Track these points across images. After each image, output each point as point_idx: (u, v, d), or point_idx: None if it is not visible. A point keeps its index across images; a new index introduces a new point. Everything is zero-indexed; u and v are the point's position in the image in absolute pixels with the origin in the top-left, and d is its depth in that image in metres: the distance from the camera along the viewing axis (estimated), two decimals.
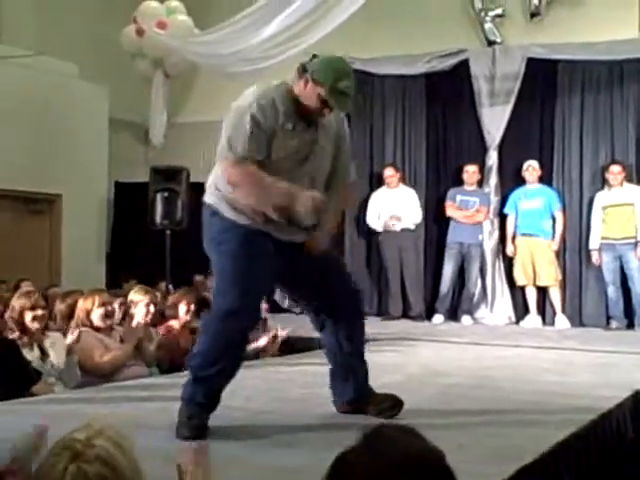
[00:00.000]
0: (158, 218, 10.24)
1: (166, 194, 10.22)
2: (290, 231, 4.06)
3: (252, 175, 3.88)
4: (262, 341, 6.76)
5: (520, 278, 9.57)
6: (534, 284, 9.49)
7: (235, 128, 3.90)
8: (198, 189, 10.53)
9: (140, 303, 6.12)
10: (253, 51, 9.17)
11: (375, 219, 10.06)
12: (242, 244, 4.00)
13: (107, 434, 1.77)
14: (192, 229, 10.50)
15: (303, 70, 3.96)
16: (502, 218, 9.84)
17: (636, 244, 9.08)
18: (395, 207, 9.94)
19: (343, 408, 4.37)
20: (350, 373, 4.36)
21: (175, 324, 6.53)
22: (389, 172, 10.09)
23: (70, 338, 5.18)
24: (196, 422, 3.87)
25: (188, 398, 3.97)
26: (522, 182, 9.65)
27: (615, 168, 9.17)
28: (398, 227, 9.89)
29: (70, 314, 5.78)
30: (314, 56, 4.12)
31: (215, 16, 10.26)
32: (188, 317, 6.61)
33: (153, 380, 5.59)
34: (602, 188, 9.45)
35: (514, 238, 9.63)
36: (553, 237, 9.48)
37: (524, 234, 9.56)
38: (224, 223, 4.07)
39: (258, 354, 6.69)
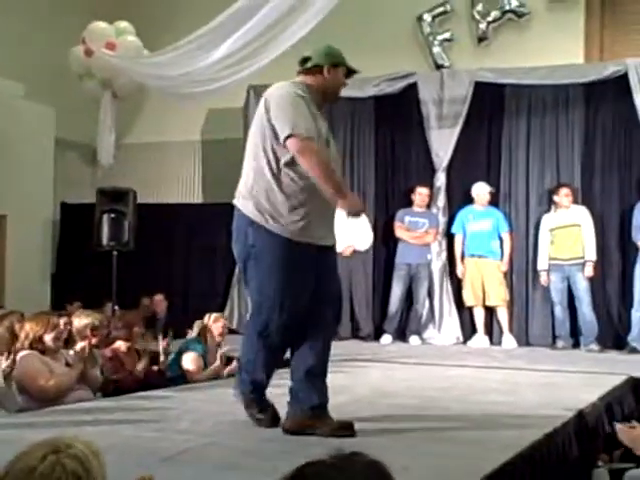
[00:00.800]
0: (104, 239, 10.16)
1: (113, 215, 10.15)
2: (325, 231, 4.36)
3: (320, 153, 4.21)
4: (216, 365, 6.74)
5: (469, 299, 9.64)
6: (483, 304, 9.57)
7: (293, 109, 4.22)
8: (145, 210, 10.61)
9: (84, 326, 6.04)
10: (203, 73, 9.14)
11: None
12: (281, 259, 4.18)
13: (85, 443, 1.96)
14: (139, 250, 10.50)
15: (316, 67, 4.46)
16: (450, 239, 9.91)
17: (584, 264, 9.20)
18: (347, 228, 9.93)
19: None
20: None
21: (122, 346, 6.46)
22: None
23: (5, 363, 5.04)
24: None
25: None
26: (470, 204, 9.73)
27: (564, 190, 9.29)
28: (348, 251, 9.91)
29: (12, 337, 5.65)
30: (305, 59, 4.54)
31: (165, 38, 10.24)
32: (135, 339, 6.55)
33: (96, 403, 5.50)
34: (549, 210, 9.57)
35: (463, 259, 9.70)
36: (502, 258, 9.57)
37: (473, 255, 9.64)
38: (262, 235, 4.20)
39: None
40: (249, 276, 4.34)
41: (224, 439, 4.29)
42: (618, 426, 3.96)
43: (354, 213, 4.34)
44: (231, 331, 10.30)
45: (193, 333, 7.05)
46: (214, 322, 7.17)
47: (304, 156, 4.17)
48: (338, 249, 9.69)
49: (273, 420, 4.44)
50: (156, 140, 11.79)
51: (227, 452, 4.02)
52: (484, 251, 9.59)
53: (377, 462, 1.75)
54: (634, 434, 3.88)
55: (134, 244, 10.21)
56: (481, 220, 9.61)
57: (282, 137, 4.20)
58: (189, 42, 8.97)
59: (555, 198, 9.40)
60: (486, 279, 9.54)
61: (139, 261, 10.53)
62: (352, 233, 9.81)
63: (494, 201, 9.77)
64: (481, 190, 9.65)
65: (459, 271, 9.72)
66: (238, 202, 4.36)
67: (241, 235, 4.31)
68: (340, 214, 4.44)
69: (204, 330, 7.03)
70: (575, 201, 9.40)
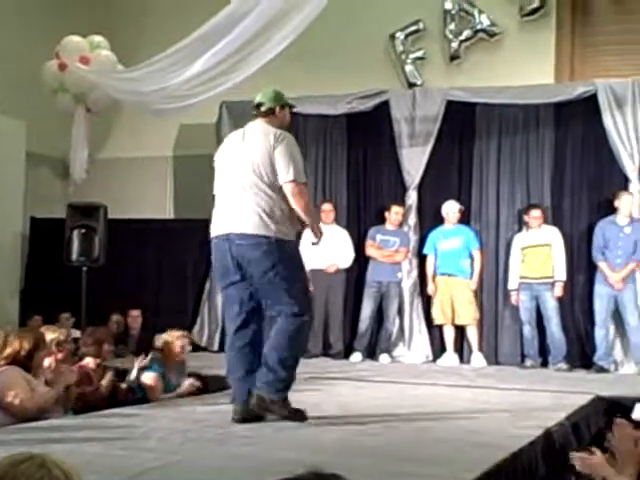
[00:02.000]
0: (74, 255, 10.11)
1: (83, 231, 10.10)
2: None
3: (308, 196, 5.35)
4: (184, 387, 6.71)
5: (439, 317, 9.67)
6: (452, 323, 9.60)
7: (296, 157, 5.25)
8: (116, 226, 10.57)
9: (50, 341, 6.00)
10: (178, 89, 9.15)
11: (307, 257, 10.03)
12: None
13: (65, 460, 2.04)
14: (109, 266, 10.46)
15: (270, 110, 5.51)
16: (421, 258, 9.95)
17: (553, 284, 9.26)
18: (329, 244, 9.95)
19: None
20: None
21: (90, 362, 6.42)
22: (327, 207, 10.07)
23: None
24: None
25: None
26: (441, 222, 9.79)
27: (535, 212, 9.35)
28: (332, 268, 9.92)
29: None
30: (259, 104, 5.54)
31: (139, 53, 10.24)
32: (105, 355, 6.51)
33: (63, 421, 5.46)
34: (519, 229, 9.64)
35: (434, 277, 9.74)
36: (471, 276, 9.62)
37: (443, 274, 9.68)
38: (279, 245, 5.13)
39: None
40: (279, 284, 5.20)
41: (192, 457, 4.28)
42: (575, 455, 3.97)
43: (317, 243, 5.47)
44: (200, 348, 10.35)
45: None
46: (175, 339, 7.14)
47: (299, 199, 5.18)
48: (322, 266, 9.87)
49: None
50: (129, 155, 11.76)
51: (195, 470, 4.01)
52: (454, 270, 9.63)
53: None
54: (592, 461, 3.90)
55: (104, 260, 10.16)
56: (451, 238, 9.66)
57: (285, 179, 5.16)
58: (164, 58, 8.98)
59: (525, 218, 9.46)
60: (455, 298, 9.58)
61: (109, 277, 10.48)
62: (335, 251, 9.83)
63: (465, 219, 9.82)
64: (451, 208, 9.70)
65: (430, 290, 9.76)
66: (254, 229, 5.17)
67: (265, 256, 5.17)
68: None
69: (166, 347, 7.00)
70: (545, 220, 9.47)
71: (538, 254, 9.34)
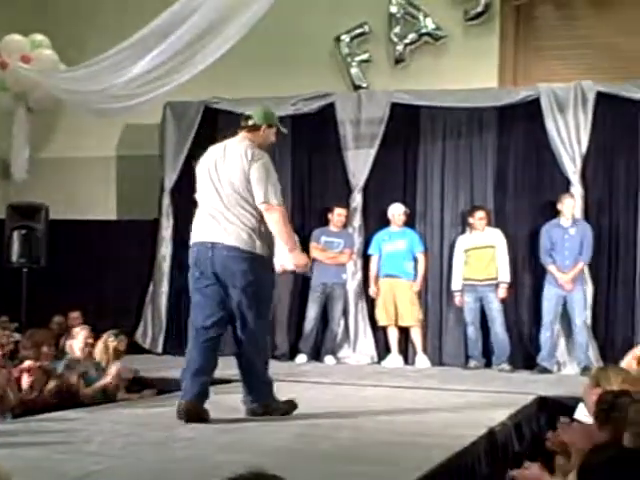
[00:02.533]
0: (14, 256, 9.95)
1: (24, 232, 9.94)
2: None
3: (285, 218, 5.57)
4: (108, 378, 6.65)
5: (382, 318, 9.70)
6: (396, 324, 9.64)
7: (270, 178, 5.47)
8: (58, 227, 10.42)
9: None
10: (121, 89, 9.05)
11: None
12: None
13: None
14: (51, 268, 10.31)
15: (255, 126, 5.69)
16: (365, 259, 9.97)
17: (497, 285, 9.34)
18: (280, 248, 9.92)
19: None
20: None
21: (29, 365, 6.31)
22: None
23: None
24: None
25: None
26: (385, 224, 9.82)
27: (479, 213, 9.42)
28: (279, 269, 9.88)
29: None
30: (248, 117, 5.75)
31: (82, 52, 10.12)
32: (44, 358, 6.41)
33: (2, 425, 5.35)
34: (463, 231, 9.71)
35: (377, 279, 9.76)
36: (415, 278, 9.66)
37: (387, 275, 9.71)
38: (261, 261, 5.47)
39: (110, 394, 6.57)
40: (253, 297, 5.53)
41: (133, 460, 4.23)
42: (512, 474, 4.01)
43: (302, 269, 5.92)
44: (144, 351, 10.26)
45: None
46: (108, 339, 7.08)
47: (275, 222, 5.46)
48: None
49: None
50: (71, 155, 11.59)
51: (136, 473, 3.96)
52: (397, 271, 9.67)
53: None
54: (528, 476, 3.94)
55: (46, 261, 10.01)
56: (396, 241, 9.70)
57: (260, 201, 5.39)
58: (107, 57, 8.87)
59: (470, 220, 9.54)
60: (399, 299, 9.62)
61: (51, 278, 10.33)
62: (283, 252, 9.78)
63: (410, 222, 9.86)
64: (396, 211, 9.74)
65: (371, 291, 9.78)
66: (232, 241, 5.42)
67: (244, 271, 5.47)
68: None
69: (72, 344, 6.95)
70: (489, 223, 9.55)
71: (482, 256, 9.42)
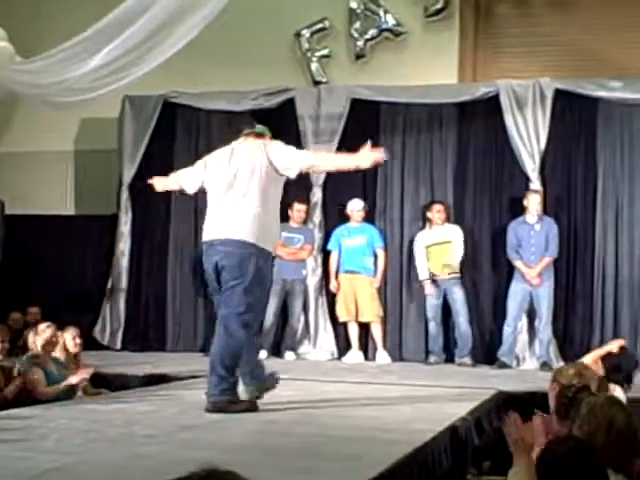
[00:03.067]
0: None
1: None
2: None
3: None
4: (74, 379, 6.55)
5: (342, 314, 9.70)
6: (356, 320, 9.64)
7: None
8: (14, 222, 10.28)
9: None
10: (78, 81, 8.94)
11: None
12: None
13: None
14: (7, 263, 10.17)
15: (261, 134, 5.94)
16: (326, 255, 9.96)
17: (460, 278, 9.37)
18: None
19: None
20: None
21: None
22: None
23: None
24: None
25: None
26: (345, 220, 9.81)
27: (437, 207, 9.46)
28: None
29: None
30: (253, 126, 6.02)
31: (39, 44, 9.97)
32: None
33: None
34: (423, 227, 9.73)
35: (337, 275, 9.76)
36: (375, 274, 9.67)
37: (347, 271, 9.71)
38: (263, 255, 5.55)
39: (70, 392, 6.48)
40: (248, 289, 5.58)
41: (92, 457, 4.18)
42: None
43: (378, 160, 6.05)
44: (103, 347, 10.17)
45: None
46: (40, 333, 6.98)
47: (325, 157, 6.79)
48: None
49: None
50: (27, 150, 11.45)
51: (94, 471, 3.91)
52: (357, 267, 9.67)
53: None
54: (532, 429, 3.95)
55: (2, 256, 9.87)
56: (356, 236, 9.70)
57: (300, 155, 5.92)
58: (64, 50, 8.75)
59: (428, 214, 9.56)
60: (359, 295, 9.63)
61: (8, 274, 10.20)
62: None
63: (370, 217, 9.86)
64: (355, 206, 9.73)
65: (332, 287, 9.78)
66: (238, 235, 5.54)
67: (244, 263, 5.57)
68: None
69: (44, 342, 6.85)
70: (448, 218, 9.58)
71: (442, 251, 9.44)
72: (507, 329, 9.16)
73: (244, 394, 5.63)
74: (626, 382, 5.70)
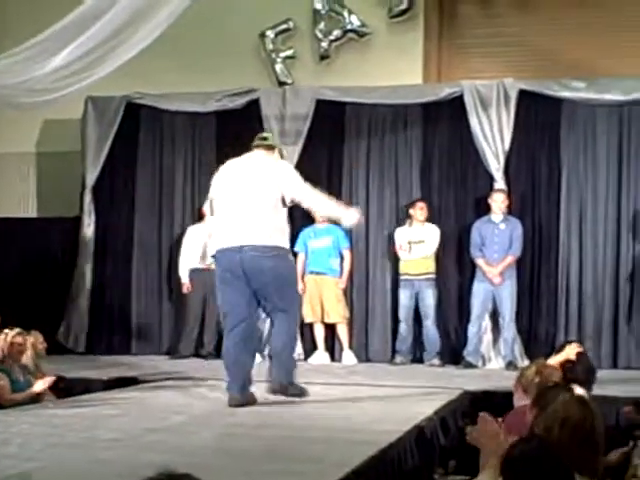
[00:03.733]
0: None
1: None
2: None
3: None
4: (38, 386, 6.46)
5: (308, 315, 9.65)
6: (322, 321, 9.61)
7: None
8: None
9: None
10: (40, 82, 8.83)
11: (189, 256, 9.90)
12: None
13: None
14: None
15: (271, 146, 6.49)
16: (292, 256, 9.91)
17: (434, 280, 9.39)
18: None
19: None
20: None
21: None
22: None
23: None
24: None
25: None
26: (311, 221, 9.78)
27: (421, 204, 9.43)
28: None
29: None
30: (264, 137, 6.63)
31: (2, 44, 9.86)
32: None
33: None
34: (393, 227, 9.69)
35: (303, 276, 9.72)
36: (340, 275, 9.65)
37: (312, 272, 9.68)
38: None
39: (35, 399, 6.39)
40: (287, 292, 6.36)
41: (53, 463, 4.12)
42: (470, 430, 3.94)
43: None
44: (67, 350, 10.06)
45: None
46: (31, 340, 6.88)
47: (318, 197, 6.45)
48: (202, 265, 9.89)
49: None
50: None
51: (55, 476, 3.85)
52: (323, 268, 9.65)
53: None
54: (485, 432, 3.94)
55: None
56: (321, 238, 9.67)
57: (303, 189, 6.28)
58: (25, 50, 8.62)
59: (410, 211, 9.51)
60: (325, 296, 9.60)
61: None
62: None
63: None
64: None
65: (299, 289, 9.73)
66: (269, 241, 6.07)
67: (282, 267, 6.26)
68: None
69: (10, 348, 6.74)
70: (429, 217, 9.54)
71: (419, 250, 9.42)
72: (471, 329, 9.19)
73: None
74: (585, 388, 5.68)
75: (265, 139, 6.56)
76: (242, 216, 6.03)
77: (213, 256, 6.29)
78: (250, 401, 6.01)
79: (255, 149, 6.40)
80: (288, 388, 6.13)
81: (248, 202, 6.04)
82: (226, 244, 6.05)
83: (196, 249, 9.82)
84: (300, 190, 6.22)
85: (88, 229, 10.35)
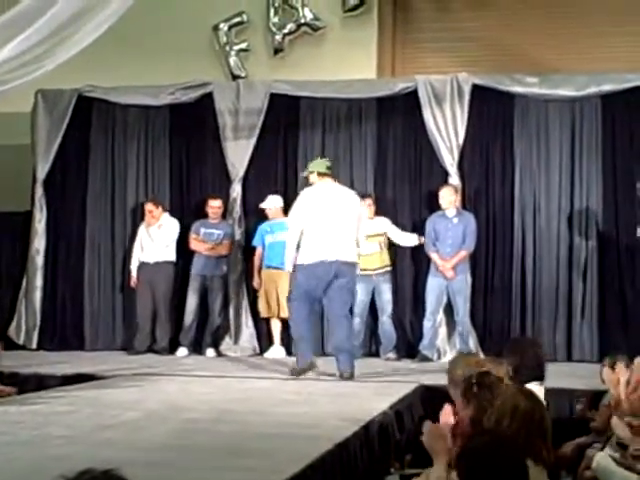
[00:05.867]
0: None
1: None
2: None
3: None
4: None
5: (264, 310, 9.62)
6: (278, 316, 9.57)
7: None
8: None
9: None
10: None
11: (138, 251, 9.82)
12: None
13: None
14: None
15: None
16: (246, 250, 9.89)
17: (390, 274, 9.42)
18: (155, 241, 9.76)
19: None
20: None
21: None
22: (150, 207, 9.83)
23: None
24: None
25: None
26: (265, 216, 9.73)
27: (369, 201, 9.39)
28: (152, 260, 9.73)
29: None
30: (329, 167, 7.93)
31: None
32: None
33: None
34: None
35: (260, 270, 9.68)
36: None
37: (269, 267, 9.62)
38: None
39: None
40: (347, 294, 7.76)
41: (5, 461, 4.04)
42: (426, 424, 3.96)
43: None
44: (18, 347, 9.92)
45: None
46: None
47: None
48: (150, 260, 9.82)
49: None
50: None
51: (7, 474, 3.79)
52: (279, 262, 9.59)
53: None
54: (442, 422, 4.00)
55: None
56: (278, 232, 9.62)
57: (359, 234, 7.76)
58: None
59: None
60: (280, 291, 9.56)
61: None
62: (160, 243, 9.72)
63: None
64: (272, 204, 9.65)
65: (255, 283, 9.70)
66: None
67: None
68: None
69: None
70: (376, 211, 9.55)
71: (372, 246, 9.40)
72: (427, 323, 9.21)
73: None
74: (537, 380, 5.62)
75: (330, 168, 7.89)
76: (334, 235, 7.49)
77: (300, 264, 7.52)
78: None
79: (326, 177, 7.76)
80: (352, 374, 7.33)
81: (339, 224, 7.50)
82: (321, 257, 7.44)
83: (145, 243, 9.77)
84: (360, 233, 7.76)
85: (39, 224, 10.21)
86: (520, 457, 2.94)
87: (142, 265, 9.78)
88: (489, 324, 9.47)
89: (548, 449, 3.40)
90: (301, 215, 7.62)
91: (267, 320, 9.70)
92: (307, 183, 7.97)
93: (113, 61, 10.22)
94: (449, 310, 9.32)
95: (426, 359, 9.05)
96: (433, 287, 9.20)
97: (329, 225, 7.50)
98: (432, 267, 9.24)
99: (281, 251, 9.54)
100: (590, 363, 8.69)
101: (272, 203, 9.67)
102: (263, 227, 9.73)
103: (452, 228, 9.19)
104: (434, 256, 9.19)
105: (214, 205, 9.76)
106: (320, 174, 7.75)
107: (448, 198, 9.20)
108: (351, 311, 8.02)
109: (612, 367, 5.52)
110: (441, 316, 9.34)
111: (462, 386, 3.98)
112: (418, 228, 9.51)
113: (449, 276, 9.09)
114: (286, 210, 9.69)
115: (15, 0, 7.80)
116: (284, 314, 9.55)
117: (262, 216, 9.81)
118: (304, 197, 7.73)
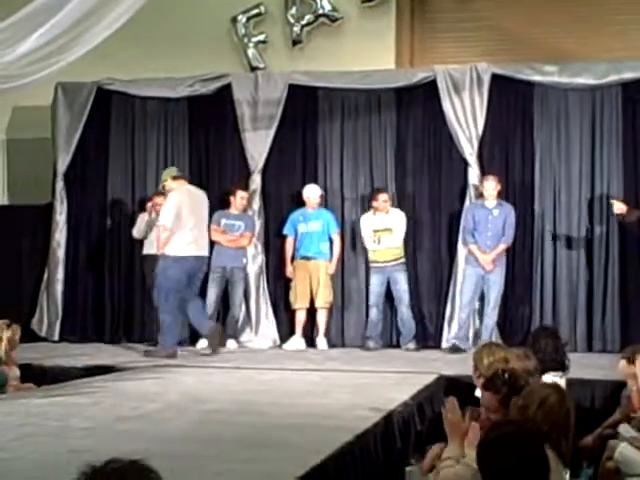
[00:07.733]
0: None
1: None
2: None
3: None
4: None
5: (296, 300, 9.58)
6: (308, 306, 9.53)
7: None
8: None
9: None
10: (6, 68, 8.70)
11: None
12: None
13: None
14: None
15: None
16: (267, 242, 9.91)
17: (406, 264, 9.37)
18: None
19: None
20: None
21: None
22: (159, 200, 9.82)
23: None
24: None
25: None
26: (285, 205, 9.73)
27: (383, 196, 9.37)
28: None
29: None
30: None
31: None
32: None
33: None
34: (362, 213, 9.67)
35: (292, 260, 9.67)
36: (330, 259, 9.60)
37: (302, 257, 9.61)
38: None
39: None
40: None
41: (27, 452, 4.08)
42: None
43: None
44: (40, 339, 9.98)
45: None
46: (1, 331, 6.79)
47: None
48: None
49: None
50: None
51: (30, 466, 3.82)
52: (313, 252, 9.59)
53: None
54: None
55: None
56: (311, 222, 9.61)
57: None
58: None
59: (374, 203, 9.45)
60: (313, 281, 9.54)
61: None
62: None
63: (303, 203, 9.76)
64: (312, 193, 9.64)
65: (288, 272, 9.67)
66: None
67: None
68: None
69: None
70: (392, 204, 9.53)
71: (387, 238, 9.39)
72: (462, 314, 9.09)
73: None
74: (560, 370, 5.60)
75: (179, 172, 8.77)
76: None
77: None
78: None
79: (179, 179, 8.62)
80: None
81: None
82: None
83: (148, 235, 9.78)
84: None
85: (60, 216, 10.26)
86: (543, 448, 2.94)
87: (149, 257, 9.72)
88: (510, 315, 9.41)
89: (568, 445, 3.41)
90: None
91: (294, 311, 9.66)
92: (165, 192, 8.71)
93: (132, 54, 10.23)
94: (481, 301, 9.23)
95: (458, 350, 8.84)
96: (470, 277, 9.07)
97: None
98: (468, 257, 9.14)
99: (315, 241, 9.57)
100: (611, 354, 8.64)
101: (313, 192, 9.65)
102: (295, 216, 9.69)
103: (492, 220, 9.05)
104: (473, 248, 9.06)
105: (243, 196, 9.75)
106: (174, 177, 8.64)
107: (493, 189, 9.08)
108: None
109: (630, 359, 5.46)
110: (476, 307, 9.26)
111: (488, 375, 4.02)
112: (437, 218, 9.48)
113: (488, 269, 8.99)
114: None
115: None
116: (316, 304, 9.52)
117: (281, 207, 9.81)
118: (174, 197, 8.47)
